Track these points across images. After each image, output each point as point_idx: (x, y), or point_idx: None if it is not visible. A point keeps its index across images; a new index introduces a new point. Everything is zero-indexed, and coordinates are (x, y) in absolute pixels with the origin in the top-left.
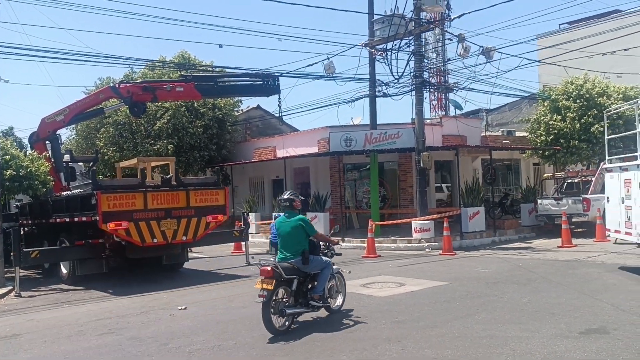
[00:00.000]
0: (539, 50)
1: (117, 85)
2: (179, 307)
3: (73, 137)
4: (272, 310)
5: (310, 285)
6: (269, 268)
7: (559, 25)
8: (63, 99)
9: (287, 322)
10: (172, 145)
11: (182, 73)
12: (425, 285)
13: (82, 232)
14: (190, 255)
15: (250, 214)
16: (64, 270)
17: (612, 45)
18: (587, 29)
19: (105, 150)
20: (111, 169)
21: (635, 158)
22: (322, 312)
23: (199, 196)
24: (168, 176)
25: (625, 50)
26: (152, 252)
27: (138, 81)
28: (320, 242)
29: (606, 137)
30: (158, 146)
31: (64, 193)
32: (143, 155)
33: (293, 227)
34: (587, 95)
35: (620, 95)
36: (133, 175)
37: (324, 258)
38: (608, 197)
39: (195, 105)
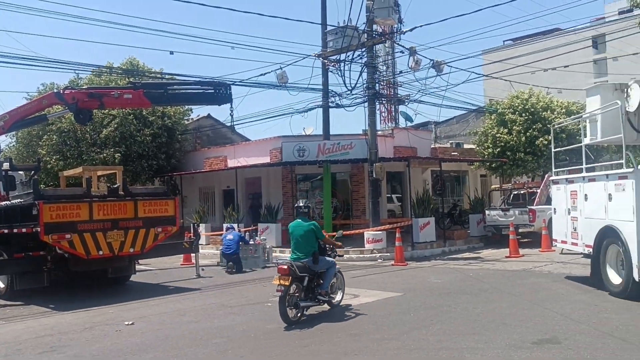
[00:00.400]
0: (485, 65)
1: (61, 91)
2: (126, 323)
3: (13, 145)
4: (287, 303)
5: (317, 282)
6: (286, 266)
7: (503, 41)
8: (2, 104)
9: (298, 314)
10: (119, 154)
11: (131, 80)
12: (379, 296)
13: (21, 244)
14: (137, 267)
15: (200, 224)
16: (1, 285)
17: (553, 62)
18: (530, 45)
19: (47, 158)
20: (54, 178)
21: (581, 171)
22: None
23: (147, 206)
24: (115, 185)
25: (565, 67)
26: (98, 264)
27: (84, 87)
28: (326, 245)
29: (552, 150)
30: (104, 155)
31: (3, 203)
32: (88, 164)
33: (306, 231)
34: (532, 110)
35: (564, 110)
36: (77, 185)
37: (329, 259)
38: (555, 209)
39: (144, 113)
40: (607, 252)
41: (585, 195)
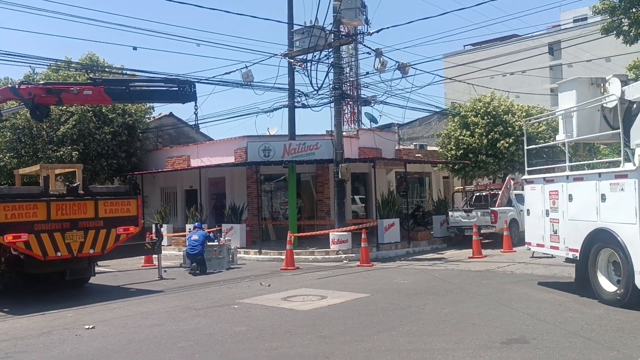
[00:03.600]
0: (446, 68)
1: (17, 86)
2: (86, 327)
3: None
4: None
5: None
6: None
7: (464, 46)
8: None
9: None
10: (77, 152)
11: (91, 76)
12: (347, 297)
13: None
14: (96, 269)
15: (162, 225)
16: None
17: (512, 67)
18: (489, 50)
19: (1, 156)
20: (8, 177)
21: (564, 169)
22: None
23: (108, 206)
24: (75, 184)
25: (523, 72)
26: (55, 266)
27: (41, 83)
28: None
29: (525, 147)
30: (61, 153)
31: None
32: (44, 162)
33: None
34: (493, 113)
35: (524, 114)
36: (34, 184)
37: None
38: (528, 210)
39: (104, 110)
40: (597, 257)
41: (570, 195)
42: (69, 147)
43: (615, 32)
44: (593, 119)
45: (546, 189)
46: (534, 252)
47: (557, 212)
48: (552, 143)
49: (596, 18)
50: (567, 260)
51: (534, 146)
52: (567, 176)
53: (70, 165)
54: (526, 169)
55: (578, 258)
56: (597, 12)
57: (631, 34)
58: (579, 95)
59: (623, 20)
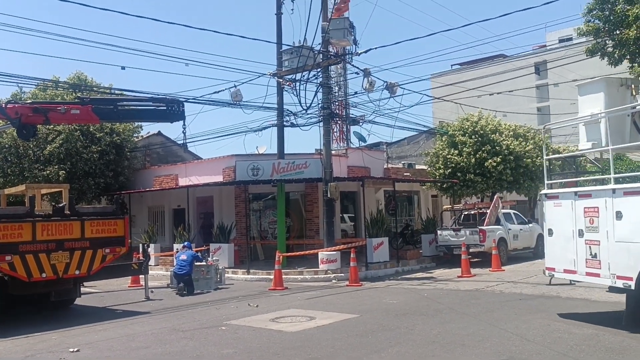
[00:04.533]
0: (434, 88)
1: (3, 105)
2: (71, 350)
3: None
4: None
5: None
6: None
7: (451, 65)
8: None
9: None
10: (63, 172)
11: (79, 95)
12: (336, 318)
13: None
14: (82, 290)
15: (149, 245)
16: None
17: (499, 86)
18: (476, 70)
19: None
20: None
21: (603, 182)
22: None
23: (95, 227)
24: (61, 204)
25: (510, 91)
26: (40, 288)
27: (28, 102)
28: None
29: (544, 157)
30: (48, 172)
31: None
32: (30, 182)
33: None
34: (481, 132)
35: (511, 133)
36: (20, 204)
37: None
38: (550, 230)
39: (91, 129)
40: None
41: (618, 212)
42: (56, 166)
43: (599, 53)
44: (622, 126)
45: (579, 205)
46: (551, 278)
47: (596, 233)
48: (578, 152)
49: (581, 39)
50: (612, 289)
51: (556, 156)
52: (614, 190)
53: (56, 185)
54: (545, 182)
55: (632, 287)
56: (582, 33)
57: (615, 55)
58: (608, 98)
59: (607, 42)
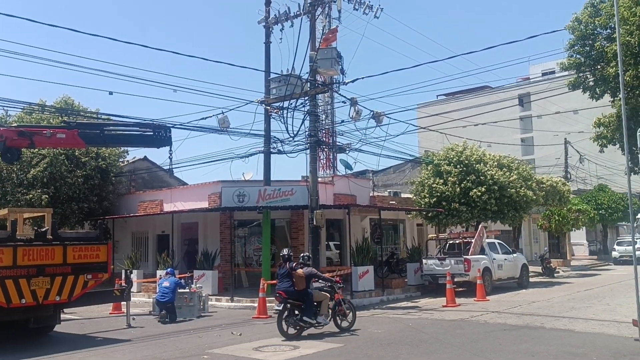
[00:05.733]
0: (420, 118)
1: None
2: None
3: None
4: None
5: None
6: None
7: (437, 96)
8: None
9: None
10: (47, 196)
11: (65, 119)
12: (320, 347)
13: None
14: (62, 316)
15: (132, 271)
16: None
17: (483, 117)
18: (462, 101)
19: None
20: None
21: None
22: None
23: (77, 252)
24: (43, 229)
25: (494, 122)
26: (19, 314)
27: (14, 125)
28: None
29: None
30: (31, 196)
31: None
32: (13, 206)
33: None
34: (466, 162)
35: (495, 163)
36: (1, 228)
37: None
38: None
39: (77, 153)
40: None
41: None
42: (39, 190)
43: (581, 87)
44: None
45: None
46: None
47: None
48: None
49: (564, 72)
50: None
51: None
52: None
53: (39, 209)
54: None
55: None
56: (564, 67)
57: (597, 90)
58: None
59: (588, 76)
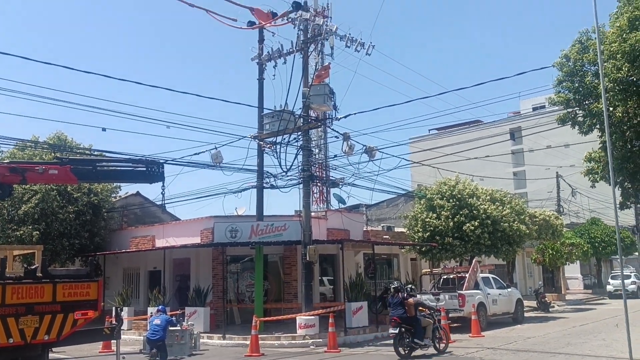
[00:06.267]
0: (412, 153)
1: None
2: None
3: None
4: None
5: None
6: None
7: (429, 130)
8: None
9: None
10: (37, 232)
11: (57, 155)
12: None
13: None
14: (51, 355)
15: (123, 308)
16: None
17: (475, 151)
18: (454, 136)
19: None
20: None
21: None
22: None
23: (67, 290)
24: (33, 266)
25: (486, 157)
26: (7, 354)
27: (5, 161)
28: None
29: None
30: (21, 232)
31: None
32: (3, 242)
33: None
34: (458, 196)
35: (488, 197)
36: None
37: None
38: None
39: (69, 189)
40: None
41: None
42: (30, 227)
43: (570, 122)
44: None
45: None
46: None
47: None
48: None
49: (553, 107)
50: None
51: None
52: None
53: (29, 246)
54: None
55: None
56: (553, 103)
57: (586, 124)
58: None
59: (577, 111)
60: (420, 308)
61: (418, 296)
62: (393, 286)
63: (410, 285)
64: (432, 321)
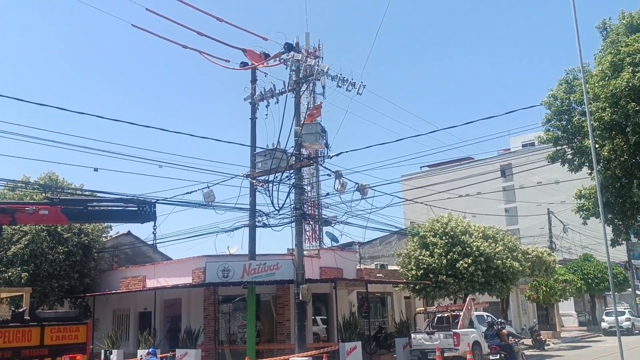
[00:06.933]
0: (404, 191)
1: None
2: None
3: None
4: None
5: None
6: None
7: (420, 167)
8: None
9: None
10: (26, 274)
11: (48, 195)
12: None
13: None
14: None
15: (112, 351)
16: None
17: (467, 188)
18: (446, 174)
19: None
20: None
21: None
22: None
23: (55, 333)
24: (21, 309)
25: (478, 193)
26: None
27: None
28: None
29: None
30: (9, 274)
31: None
32: None
33: None
34: (451, 233)
35: (481, 234)
36: None
37: None
38: None
39: (59, 229)
40: None
41: None
42: (19, 268)
43: (560, 160)
44: None
45: None
46: None
47: None
48: None
49: (543, 144)
50: None
51: None
52: None
53: (17, 288)
54: None
55: None
56: (542, 141)
57: (575, 162)
58: None
59: (567, 149)
60: (511, 338)
61: (507, 327)
62: (487, 321)
63: (500, 319)
64: (520, 348)
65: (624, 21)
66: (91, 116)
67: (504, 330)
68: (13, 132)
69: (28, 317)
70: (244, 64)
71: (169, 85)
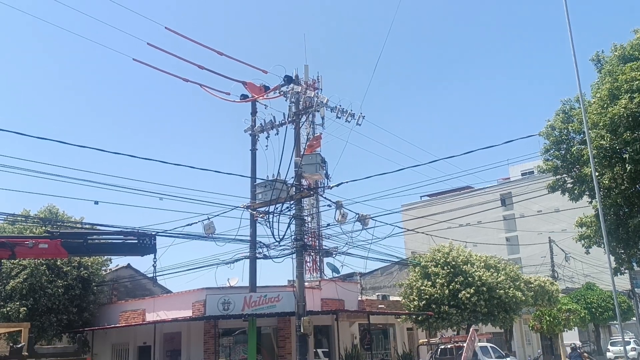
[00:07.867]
0: (405, 221)
1: None
2: None
3: None
4: None
5: None
6: None
7: (421, 197)
8: None
9: None
10: (25, 308)
11: (48, 228)
12: None
13: None
14: None
15: None
16: None
17: (468, 218)
18: (445, 204)
19: None
20: None
21: None
22: None
23: None
24: (19, 345)
25: (478, 222)
26: None
27: None
28: None
29: None
30: (7, 309)
31: None
32: None
33: None
34: (453, 263)
35: (482, 264)
36: None
37: None
38: None
39: (58, 262)
40: None
41: None
42: (17, 303)
43: (560, 189)
44: None
45: None
46: None
47: None
48: None
49: (542, 174)
50: None
51: None
52: None
53: (16, 324)
54: None
55: None
56: (541, 171)
57: (575, 191)
58: None
59: (566, 178)
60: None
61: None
62: (571, 347)
63: (579, 344)
64: None
65: (616, 53)
66: (91, 149)
67: (585, 354)
68: (13, 166)
69: (26, 353)
70: (244, 97)
71: (169, 117)
